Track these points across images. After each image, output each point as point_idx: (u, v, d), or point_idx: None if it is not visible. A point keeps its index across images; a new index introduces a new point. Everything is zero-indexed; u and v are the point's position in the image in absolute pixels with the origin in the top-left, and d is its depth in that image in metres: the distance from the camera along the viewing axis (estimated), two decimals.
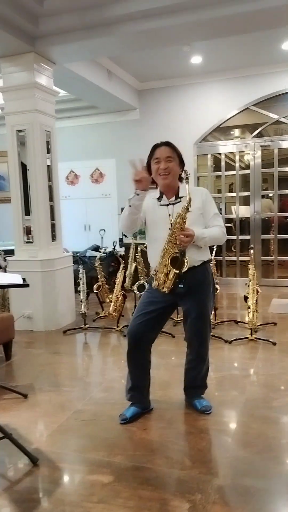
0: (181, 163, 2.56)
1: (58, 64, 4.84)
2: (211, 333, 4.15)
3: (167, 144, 2.52)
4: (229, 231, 7.24)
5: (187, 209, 2.38)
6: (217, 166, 7.22)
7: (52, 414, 2.83)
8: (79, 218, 7.60)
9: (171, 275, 2.43)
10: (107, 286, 5.26)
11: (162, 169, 2.47)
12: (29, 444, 2.44)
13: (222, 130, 7.13)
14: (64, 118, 7.08)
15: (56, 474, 2.18)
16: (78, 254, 6.14)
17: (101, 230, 7.31)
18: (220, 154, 7.06)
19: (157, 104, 7.10)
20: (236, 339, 4.11)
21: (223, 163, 7.03)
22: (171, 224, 2.46)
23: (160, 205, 2.56)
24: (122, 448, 2.38)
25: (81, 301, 4.67)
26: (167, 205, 2.54)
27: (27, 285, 3.00)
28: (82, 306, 4.66)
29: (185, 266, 2.42)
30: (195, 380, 2.81)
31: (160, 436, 2.47)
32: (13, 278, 3.10)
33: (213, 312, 4.28)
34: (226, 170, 7.06)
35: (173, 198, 2.55)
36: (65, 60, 4.83)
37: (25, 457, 2.26)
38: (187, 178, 2.41)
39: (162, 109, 7.07)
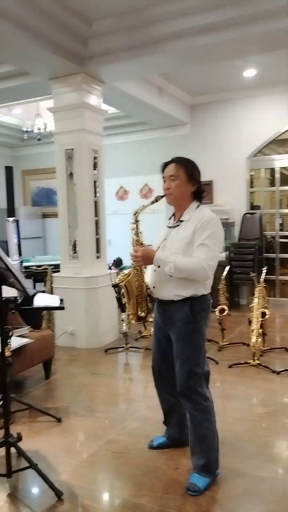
0: (191, 180, 2.28)
1: (107, 83, 4.87)
2: (258, 362, 3.95)
3: (174, 160, 2.31)
4: (285, 248, 6.87)
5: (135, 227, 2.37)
6: (273, 180, 6.91)
7: (84, 442, 2.76)
8: (127, 233, 7.57)
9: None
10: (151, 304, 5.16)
11: (164, 189, 2.33)
12: (56, 474, 2.38)
13: (278, 143, 6.83)
14: (114, 135, 7.14)
15: None
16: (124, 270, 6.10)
17: (148, 245, 7.23)
18: (274, 168, 6.76)
19: (209, 118, 6.95)
20: (286, 370, 3.83)
21: (277, 175, 6.72)
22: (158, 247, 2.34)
23: (167, 225, 2.40)
24: (151, 488, 2.24)
25: (122, 320, 4.61)
26: (170, 227, 2.36)
27: (62, 308, 3.01)
28: (124, 325, 4.60)
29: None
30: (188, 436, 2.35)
31: None
32: (51, 299, 3.11)
33: (260, 339, 4.02)
34: (281, 185, 6.74)
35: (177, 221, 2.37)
36: (114, 79, 4.85)
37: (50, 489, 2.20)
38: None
39: (214, 123, 6.92)
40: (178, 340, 2.27)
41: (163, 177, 2.34)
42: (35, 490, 2.28)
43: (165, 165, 2.35)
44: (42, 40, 3.88)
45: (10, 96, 5.47)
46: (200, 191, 2.34)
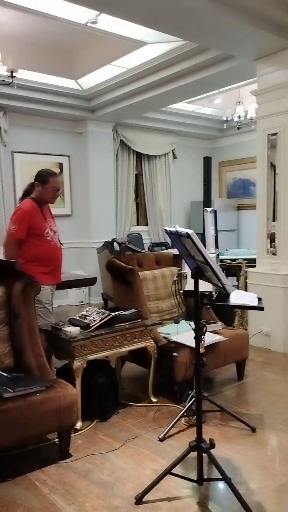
0: None
1: None
2: None
3: None
4: None
5: None
6: None
7: (282, 462, 2.43)
8: None
9: None
10: None
11: None
12: (250, 493, 2.13)
13: None
14: None
15: None
16: None
17: None
18: None
19: None
20: None
21: None
22: None
23: None
24: None
25: None
26: None
27: (262, 308, 2.72)
28: None
29: None
30: None
31: None
32: (248, 297, 2.85)
33: None
34: None
35: None
36: None
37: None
38: None
39: None
40: None
41: None
42: (226, 506, 2.08)
43: None
44: (249, 16, 3.59)
45: (213, 84, 5.36)
46: None
